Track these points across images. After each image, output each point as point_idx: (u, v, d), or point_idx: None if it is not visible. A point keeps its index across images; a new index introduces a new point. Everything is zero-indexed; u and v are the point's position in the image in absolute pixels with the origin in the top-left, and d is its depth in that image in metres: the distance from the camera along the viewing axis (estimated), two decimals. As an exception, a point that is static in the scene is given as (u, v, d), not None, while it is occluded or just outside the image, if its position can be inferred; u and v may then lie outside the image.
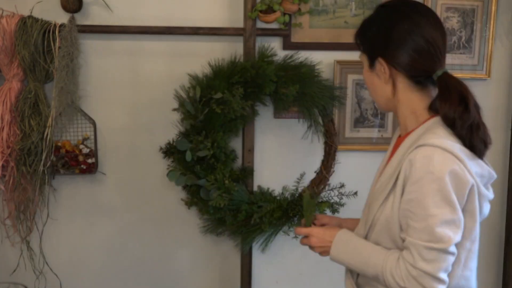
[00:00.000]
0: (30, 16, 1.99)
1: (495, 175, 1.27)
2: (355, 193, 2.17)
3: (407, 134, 1.30)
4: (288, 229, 2.14)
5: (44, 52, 1.99)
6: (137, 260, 2.29)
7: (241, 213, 2.03)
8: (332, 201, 2.15)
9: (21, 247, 2.17)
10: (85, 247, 2.26)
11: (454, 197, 1.16)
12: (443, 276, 1.18)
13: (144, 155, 2.20)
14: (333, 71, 2.20)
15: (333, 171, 2.17)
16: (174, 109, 2.05)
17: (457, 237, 1.18)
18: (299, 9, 2.12)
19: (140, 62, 2.15)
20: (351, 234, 1.35)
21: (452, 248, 1.17)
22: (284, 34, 2.14)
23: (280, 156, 2.27)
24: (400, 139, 1.35)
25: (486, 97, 2.33)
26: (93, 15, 2.09)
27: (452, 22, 2.23)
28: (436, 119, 1.25)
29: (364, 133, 2.26)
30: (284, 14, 2.08)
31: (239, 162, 2.18)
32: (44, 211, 2.17)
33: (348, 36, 2.18)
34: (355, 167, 2.29)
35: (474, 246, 1.27)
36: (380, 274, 1.23)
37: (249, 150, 2.15)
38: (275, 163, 2.26)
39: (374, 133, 2.27)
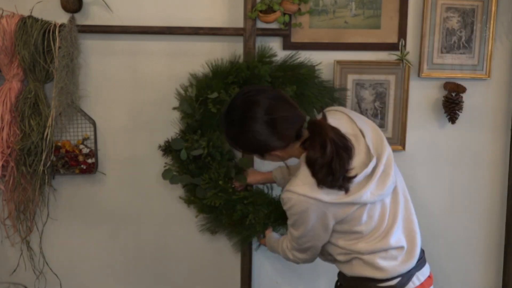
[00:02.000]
0: (30, 16, 1.99)
1: (366, 172, 1.53)
2: None
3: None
4: (286, 231, 2.14)
5: (44, 52, 1.99)
6: (137, 260, 2.29)
7: (236, 213, 2.03)
8: None
9: (21, 247, 2.17)
10: (85, 247, 2.26)
11: (306, 226, 1.57)
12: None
13: (144, 155, 2.20)
14: (333, 71, 2.20)
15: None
16: (174, 108, 2.06)
17: (305, 245, 1.67)
18: (299, 9, 2.12)
19: (140, 62, 2.15)
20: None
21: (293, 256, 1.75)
22: (284, 34, 2.14)
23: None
24: None
25: (486, 97, 2.33)
26: (93, 15, 2.09)
27: (452, 22, 2.23)
28: (303, 156, 1.56)
29: (364, 133, 2.26)
30: (284, 14, 2.08)
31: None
32: (44, 211, 2.17)
33: (348, 36, 2.20)
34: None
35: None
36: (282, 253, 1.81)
37: (248, 150, 2.15)
38: (274, 163, 2.26)
39: (374, 133, 2.26)
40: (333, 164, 1.49)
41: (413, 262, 1.60)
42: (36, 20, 1.98)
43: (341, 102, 2.16)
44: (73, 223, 2.23)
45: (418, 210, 2.37)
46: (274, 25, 2.13)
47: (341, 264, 1.66)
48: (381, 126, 2.26)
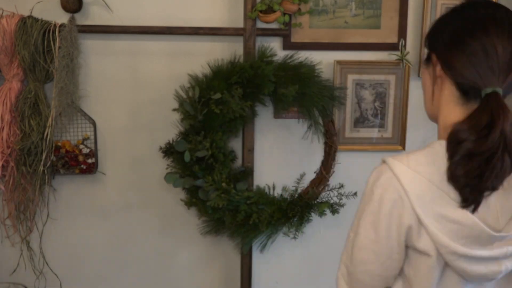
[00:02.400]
0: (30, 16, 1.99)
1: (491, 232, 1.01)
2: (355, 193, 2.17)
3: None
4: (288, 230, 2.14)
5: (44, 52, 1.99)
6: (137, 260, 2.29)
7: (240, 214, 2.03)
8: (332, 201, 2.16)
9: (21, 247, 2.17)
10: (85, 247, 2.26)
11: (384, 228, 1.05)
12: None
13: (144, 155, 2.20)
14: (333, 71, 2.20)
15: (333, 172, 2.17)
16: (174, 109, 2.05)
17: (371, 267, 1.08)
18: (299, 9, 2.12)
19: (140, 62, 2.15)
20: None
21: (361, 276, 1.10)
22: (284, 34, 2.14)
23: (280, 156, 2.27)
24: None
25: (486, 97, 2.33)
26: (93, 15, 2.09)
27: (452, 22, 2.23)
28: (442, 142, 1.05)
29: (364, 133, 2.26)
30: (284, 14, 2.08)
31: (239, 162, 2.18)
32: (44, 211, 2.17)
33: (348, 36, 2.20)
34: (355, 167, 2.29)
35: None
36: None
37: (249, 150, 2.15)
38: (275, 163, 2.26)
39: (374, 133, 2.27)
40: (494, 160, 0.96)
41: None
42: (36, 20, 1.98)
43: (341, 101, 2.16)
44: (73, 223, 2.23)
45: (418, 210, 2.38)
46: (274, 25, 2.13)
47: None
48: (381, 126, 2.26)
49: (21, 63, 1.98)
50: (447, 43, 1.09)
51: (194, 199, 2.06)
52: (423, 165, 1.03)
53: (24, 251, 2.18)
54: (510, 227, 1.03)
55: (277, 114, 2.21)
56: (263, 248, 2.19)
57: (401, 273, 1.10)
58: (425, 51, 1.19)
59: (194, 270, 2.33)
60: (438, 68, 1.10)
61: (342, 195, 2.16)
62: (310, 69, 2.06)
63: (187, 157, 1.98)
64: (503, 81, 1.03)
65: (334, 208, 2.13)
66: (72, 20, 2.01)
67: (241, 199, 2.02)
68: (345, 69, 2.21)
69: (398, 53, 2.21)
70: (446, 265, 1.04)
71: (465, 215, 0.99)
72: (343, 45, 2.20)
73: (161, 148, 2.08)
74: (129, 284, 2.30)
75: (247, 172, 2.15)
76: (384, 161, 1.09)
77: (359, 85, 2.23)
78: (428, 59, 1.15)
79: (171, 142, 2.07)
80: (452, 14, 1.12)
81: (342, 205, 2.15)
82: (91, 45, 2.11)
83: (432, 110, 1.16)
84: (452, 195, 1.00)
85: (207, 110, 1.98)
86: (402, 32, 2.21)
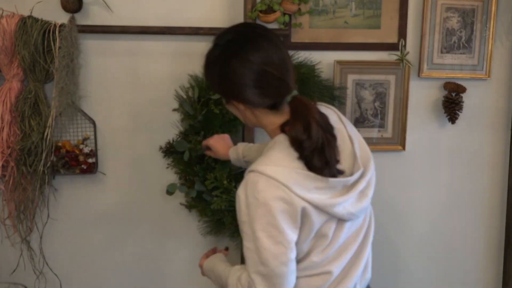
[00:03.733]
0: (30, 16, 1.99)
1: (351, 180, 1.32)
2: None
3: None
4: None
5: (44, 52, 1.99)
6: (137, 260, 2.29)
7: None
8: None
9: (21, 247, 2.17)
10: (85, 247, 2.26)
11: (279, 221, 1.23)
12: None
13: (144, 155, 2.20)
14: (333, 71, 2.20)
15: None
16: (174, 109, 2.05)
17: (284, 258, 1.25)
18: (299, 9, 2.12)
19: (140, 62, 2.15)
20: (213, 263, 1.54)
21: (278, 269, 1.25)
22: (284, 34, 2.14)
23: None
24: None
25: (486, 97, 2.33)
26: (93, 15, 2.09)
27: (452, 22, 2.23)
28: (281, 136, 1.32)
29: (364, 133, 2.26)
30: (284, 14, 2.08)
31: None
32: (44, 211, 2.17)
33: (348, 36, 2.20)
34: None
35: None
36: None
37: (249, 150, 2.15)
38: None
39: (374, 133, 2.27)
40: (326, 151, 1.28)
41: None
42: (36, 20, 1.98)
43: (341, 101, 2.16)
44: (73, 223, 2.23)
45: (418, 210, 2.39)
46: (274, 25, 2.12)
47: None
48: (381, 126, 2.26)
49: (21, 63, 1.98)
50: (235, 90, 1.30)
51: (193, 202, 2.07)
52: (283, 160, 1.27)
53: (24, 251, 2.18)
54: (357, 167, 1.34)
55: (277, 114, 2.21)
56: None
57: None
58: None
59: (194, 271, 2.33)
60: (241, 106, 1.34)
61: None
62: (309, 69, 2.06)
63: (186, 156, 1.99)
64: (292, 83, 1.32)
65: None
66: (72, 20, 2.01)
67: None
68: (345, 69, 2.21)
69: (398, 53, 2.21)
70: (331, 217, 1.30)
71: (331, 181, 1.28)
72: (343, 45, 2.20)
73: (161, 147, 2.08)
74: (129, 284, 2.30)
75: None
76: (252, 171, 1.27)
77: (359, 85, 2.23)
78: (228, 101, 1.37)
79: (171, 141, 2.07)
80: (217, 66, 1.31)
81: None
82: (91, 45, 2.11)
83: (252, 123, 1.40)
84: (312, 174, 1.26)
85: (207, 110, 1.98)
86: (402, 32, 2.21)
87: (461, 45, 2.25)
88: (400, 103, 2.25)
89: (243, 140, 2.15)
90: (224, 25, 2.13)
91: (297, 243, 1.28)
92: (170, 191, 2.09)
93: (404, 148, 2.29)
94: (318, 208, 1.26)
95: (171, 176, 2.15)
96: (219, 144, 1.89)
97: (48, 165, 2.04)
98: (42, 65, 1.99)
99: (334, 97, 2.11)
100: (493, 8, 2.23)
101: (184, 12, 2.12)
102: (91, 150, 2.12)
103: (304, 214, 1.26)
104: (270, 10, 2.06)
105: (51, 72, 2.00)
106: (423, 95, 2.29)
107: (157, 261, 2.30)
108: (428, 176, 2.36)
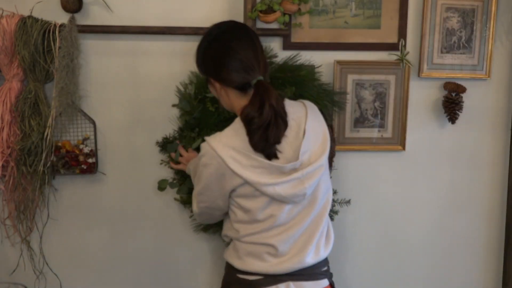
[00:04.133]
0: (30, 16, 1.99)
1: (286, 167, 1.55)
2: (348, 201, 2.21)
3: None
4: None
5: (44, 52, 1.99)
6: (137, 260, 2.29)
7: None
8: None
9: (21, 247, 2.17)
10: (85, 247, 2.26)
11: (205, 179, 1.60)
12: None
13: (144, 155, 2.20)
14: (333, 71, 2.20)
15: (331, 177, 2.17)
16: (174, 105, 2.06)
17: (201, 204, 1.70)
18: (299, 9, 2.12)
19: (140, 62, 2.15)
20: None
21: (197, 209, 1.73)
22: (284, 34, 2.14)
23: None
24: None
25: (486, 97, 2.33)
26: (93, 15, 2.09)
27: (452, 22, 2.23)
28: (237, 119, 1.60)
29: (364, 133, 2.26)
30: (284, 14, 2.08)
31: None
32: (44, 211, 2.17)
33: (348, 36, 2.20)
34: (355, 167, 2.29)
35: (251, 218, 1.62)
36: None
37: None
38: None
39: (374, 133, 2.27)
40: (269, 130, 1.52)
41: (285, 268, 1.61)
42: (36, 20, 1.98)
43: (341, 106, 2.16)
44: (73, 223, 2.23)
45: (418, 210, 2.39)
46: (274, 25, 2.13)
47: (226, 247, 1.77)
48: (381, 126, 2.26)
49: (21, 63, 1.98)
50: (212, 67, 1.62)
51: (188, 197, 2.08)
52: (229, 138, 1.56)
53: (24, 251, 2.18)
54: (294, 158, 1.56)
55: (276, 114, 2.21)
56: None
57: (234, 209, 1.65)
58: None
59: (194, 269, 2.33)
60: (217, 84, 1.63)
61: (335, 202, 2.17)
62: (309, 72, 2.06)
63: (177, 157, 2.04)
64: (259, 70, 1.57)
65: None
66: (72, 20, 2.01)
67: None
68: (345, 69, 2.21)
69: (398, 53, 2.21)
70: (262, 195, 1.57)
71: (264, 162, 1.54)
72: (343, 45, 2.20)
73: (157, 142, 2.09)
74: (129, 283, 2.30)
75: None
76: (204, 140, 1.59)
77: (359, 85, 2.23)
78: (208, 80, 1.67)
79: (168, 137, 2.08)
80: (205, 45, 1.64)
81: (336, 212, 2.16)
82: (91, 45, 2.11)
83: (226, 104, 1.67)
84: (252, 154, 1.54)
85: (203, 107, 1.99)
86: (402, 32, 2.21)
87: (461, 45, 2.25)
88: (400, 103, 2.25)
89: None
90: (224, 25, 2.14)
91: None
92: (161, 187, 2.12)
93: (404, 148, 2.29)
94: (247, 183, 1.54)
95: (169, 175, 2.15)
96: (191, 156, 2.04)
97: (48, 165, 2.04)
98: (42, 65, 1.99)
99: (334, 102, 2.11)
100: (493, 8, 2.23)
101: (184, 12, 2.12)
102: (91, 150, 2.12)
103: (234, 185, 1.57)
104: (270, 10, 2.06)
105: (51, 72, 2.00)
106: (423, 95, 2.29)
107: (157, 261, 2.30)
108: (428, 176, 2.36)
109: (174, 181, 2.11)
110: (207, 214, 1.73)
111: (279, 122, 1.54)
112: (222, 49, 1.59)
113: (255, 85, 1.57)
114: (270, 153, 1.55)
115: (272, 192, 1.54)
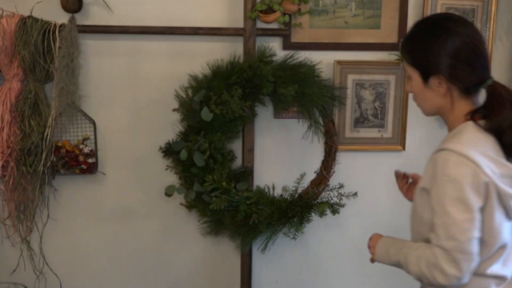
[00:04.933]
0: (30, 16, 1.99)
1: None
2: (355, 193, 2.17)
3: None
4: (288, 230, 2.14)
5: (44, 52, 1.99)
6: (137, 260, 2.29)
7: (239, 214, 2.03)
8: (332, 201, 2.16)
9: (21, 247, 2.17)
10: (85, 247, 2.26)
11: (469, 197, 1.25)
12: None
13: (144, 155, 2.20)
14: (333, 71, 2.20)
15: (334, 172, 2.17)
16: (174, 109, 2.06)
17: (470, 234, 1.24)
18: (299, 9, 2.12)
19: (140, 62, 2.15)
20: (389, 239, 1.54)
21: (464, 245, 1.24)
22: (284, 34, 2.14)
23: (280, 156, 2.27)
24: None
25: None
26: (93, 15, 2.09)
27: (452, 22, 2.23)
28: (469, 123, 1.34)
29: (364, 133, 2.26)
30: (284, 14, 2.08)
31: (239, 163, 2.18)
32: (44, 211, 2.17)
33: (348, 36, 2.20)
34: (355, 167, 2.29)
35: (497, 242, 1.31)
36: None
37: (249, 150, 2.15)
38: (275, 163, 2.26)
39: (374, 133, 2.27)
40: None
41: None
42: (36, 20, 1.98)
43: (341, 101, 2.16)
44: (73, 223, 2.23)
45: (418, 210, 2.38)
46: (274, 25, 2.13)
47: None
48: (381, 126, 2.26)
49: (21, 63, 1.98)
50: (447, 64, 1.31)
51: (193, 202, 2.07)
52: (475, 142, 1.29)
53: (24, 251, 2.18)
54: None
55: (277, 114, 2.21)
56: (264, 248, 2.19)
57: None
58: (416, 76, 1.38)
59: (194, 270, 2.33)
60: (445, 84, 1.33)
61: (343, 195, 2.16)
62: (309, 69, 2.06)
63: (183, 155, 1.98)
64: (490, 69, 1.35)
65: (334, 208, 2.13)
66: (72, 20, 2.01)
67: (240, 199, 2.02)
68: (345, 69, 2.20)
69: (398, 53, 2.21)
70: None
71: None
72: (343, 45, 2.20)
73: (161, 148, 2.08)
74: (129, 284, 2.30)
75: (247, 172, 2.15)
76: (442, 150, 1.31)
77: (359, 85, 2.23)
78: (427, 81, 1.36)
79: (171, 142, 2.07)
80: (431, 40, 1.33)
81: (342, 205, 2.15)
82: (91, 45, 2.11)
83: (437, 112, 1.41)
84: (503, 160, 1.30)
85: (206, 110, 1.97)
86: (402, 32, 2.21)
87: (461, 45, 2.25)
88: (400, 103, 2.25)
89: (243, 141, 2.15)
90: (224, 25, 2.14)
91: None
92: (168, 193, 2.09)
93: (404, 148, 2.29)
94: (499, 194, 1.27)
95: (171, 176, 2.14)
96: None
97: (48, 165, 2.04)
98: (42, 65, 1.99)
99: (334, 97, 2.11)
100: (493, 8, 2.23)
101: (184, 12, 2.12)
102: (91, 150, 2.12)
103: (486, 189, 1.26)
104: (270, 10, 2.06)
105: (51, 72, 2.00)
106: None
107: (157, 261, 2.30)
108: (428, 176, 2.36)
109: (181, 186, 2.09)
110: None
111: None
112: (453, 38, 1.32)
113: (491, 88, 1.34)
114: None
115: None
